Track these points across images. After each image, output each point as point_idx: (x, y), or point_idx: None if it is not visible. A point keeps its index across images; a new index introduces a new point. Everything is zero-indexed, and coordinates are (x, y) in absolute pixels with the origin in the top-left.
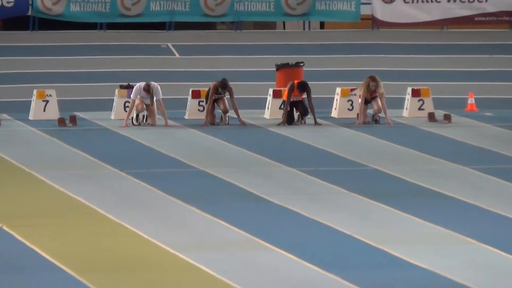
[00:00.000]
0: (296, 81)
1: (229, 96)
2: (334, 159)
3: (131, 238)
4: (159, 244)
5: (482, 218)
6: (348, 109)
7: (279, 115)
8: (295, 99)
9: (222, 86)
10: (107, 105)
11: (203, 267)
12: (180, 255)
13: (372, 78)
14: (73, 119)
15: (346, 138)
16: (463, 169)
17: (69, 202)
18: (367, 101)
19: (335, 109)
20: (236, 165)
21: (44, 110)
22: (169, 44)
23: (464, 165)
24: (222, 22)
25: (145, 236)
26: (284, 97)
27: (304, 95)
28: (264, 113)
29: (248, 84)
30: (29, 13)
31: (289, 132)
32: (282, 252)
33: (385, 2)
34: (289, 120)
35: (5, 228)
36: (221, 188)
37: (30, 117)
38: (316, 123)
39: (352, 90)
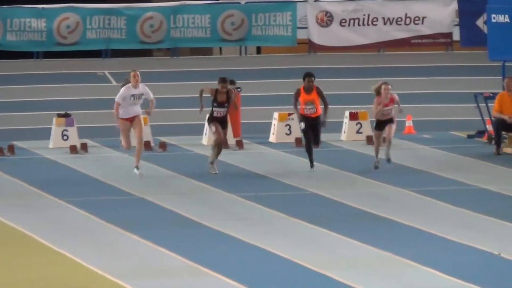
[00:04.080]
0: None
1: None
2: (272, 184)
3: (72, 267)
4: (99, 272)
5: (421, 240)
6: (286, 133)
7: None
8: (308, 112)
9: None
10: (45, 134)
11: None
12: (121, 282)
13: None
14: (11, 149)
15: (283, 163)
16: (402, 192)
17: (8, 231)
18: (380, 124)
19: (273, 134)
20: (175, 192)
21: None
22: (106, 72)
23: (403, 187)
24: (159, 49)
25: (86, 265)
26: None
27: (316, 99)
28: (202, 139)
29: (185, 111)
30: None
31: (227, 158)
32: (222, 277)
33: (321, 26)
34: (309, 152)
35: None
36: (160, 215)
37: None
38: (323, 123)
39: (289, 114)
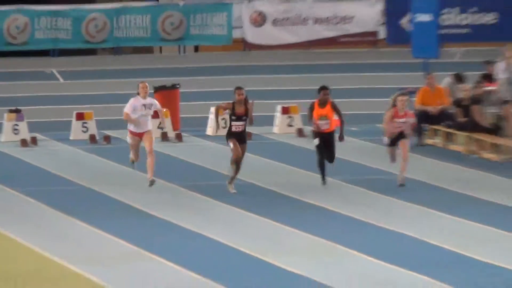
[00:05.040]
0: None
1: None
2: (211, 174)
3: (25, 252)
4: (51, 257)
5: (352, 228)
6: (223, 126)
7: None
8: (322, 128)
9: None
10: None
11: (93, 279)
12: (72, 268)
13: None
14: None
15: (220, 154)
16: (333, 181)
17: None
18: (393, 141)
19: (210, 127)
20: (121, 182)
21: None
22: (54, 70)
23: (333, 177)
24: (103, 48)
25: (38, 250)
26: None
27: (331, 114)
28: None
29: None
30: None
31: (167, 150)
32: (166, 261)
33: (255, 26)
34: (322, 168)
35: None
36: (108, 204)
37: None
38: (341, 138)
39: (225, 109)
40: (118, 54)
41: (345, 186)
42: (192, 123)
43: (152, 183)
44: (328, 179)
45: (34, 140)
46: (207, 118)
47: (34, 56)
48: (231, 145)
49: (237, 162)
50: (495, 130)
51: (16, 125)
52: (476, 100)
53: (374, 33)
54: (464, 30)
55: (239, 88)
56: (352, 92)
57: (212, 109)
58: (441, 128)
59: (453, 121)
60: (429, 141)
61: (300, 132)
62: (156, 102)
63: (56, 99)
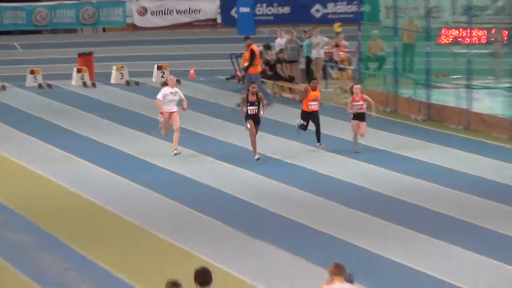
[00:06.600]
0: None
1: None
2: None
3: None
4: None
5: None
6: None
7: None
8: (313, 108)
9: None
10: None
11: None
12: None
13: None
14: None
15: (123, 95)
16: (195, 114)
17: None
18: (355, 116)
19: (113, 78)
20: (53, 112)
21: None
22: (16, 43)
23: (195, 110)
24: (46, 29)
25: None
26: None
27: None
28: None
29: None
30: None
31: (89, 93)
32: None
33: (140, 15)
34: (304, 127)
35: None
36: (46, 126)
37: None
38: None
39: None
40: (55, 33)
41: (199, 115)
42: (101, 76)
43: (176, 154)
44: (193, 111)
45: (4, 87)
46: (111, 73)
47: (3, 35)
48: (248, 125)
49: (252, 137)
50: (290, 79)
51: None
52: (278, 61)
53: (214, 19)
54: (270, 18)
55: (252, 82)
56: (201, 56)
57: (114, 68)
58: None
59: (264, 74)
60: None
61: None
62: (180, 92)
63: (16, 61)
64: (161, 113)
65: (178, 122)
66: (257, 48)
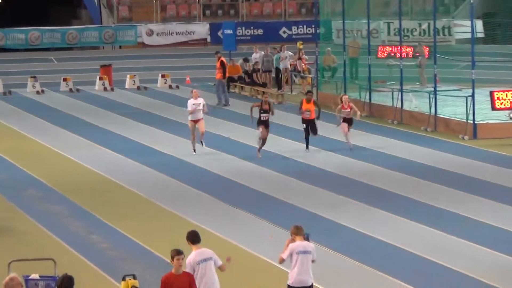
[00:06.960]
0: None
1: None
2: None
3: None
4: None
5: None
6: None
7: None
8: (307, 116)
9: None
10: None
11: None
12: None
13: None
14: None
15: (136, 97)
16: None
17: None
18: (344, 120)
19: (128, 85)
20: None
21: None
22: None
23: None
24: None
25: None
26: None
27: (313, 108)
28: None
29: None
30: None
31: (109, 96)
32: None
33: (148, 36)
34: (307, 140)
35: None
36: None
37: None
38: (317, 118)
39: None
40: (83, 50)
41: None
42: (117, 82)
43: (201, 143)
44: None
45: (43, 91)
46: (125, 80)
47: (42, 51)
48: (260, 129)
49: (263, 140)
50: (263, 85)
51: None
52: (254, 70)
53: (205, 39)
54: (248, 37)
55: (264, 93)
56: (195, 67)
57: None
58: (238, 84)
59: (244, 81)
60: (234, 90)
61: (170, 87)
62: (203, 100)
63: (53, 71)
64: (189, 120)
65: (203, 127)
66: (225, 59)
